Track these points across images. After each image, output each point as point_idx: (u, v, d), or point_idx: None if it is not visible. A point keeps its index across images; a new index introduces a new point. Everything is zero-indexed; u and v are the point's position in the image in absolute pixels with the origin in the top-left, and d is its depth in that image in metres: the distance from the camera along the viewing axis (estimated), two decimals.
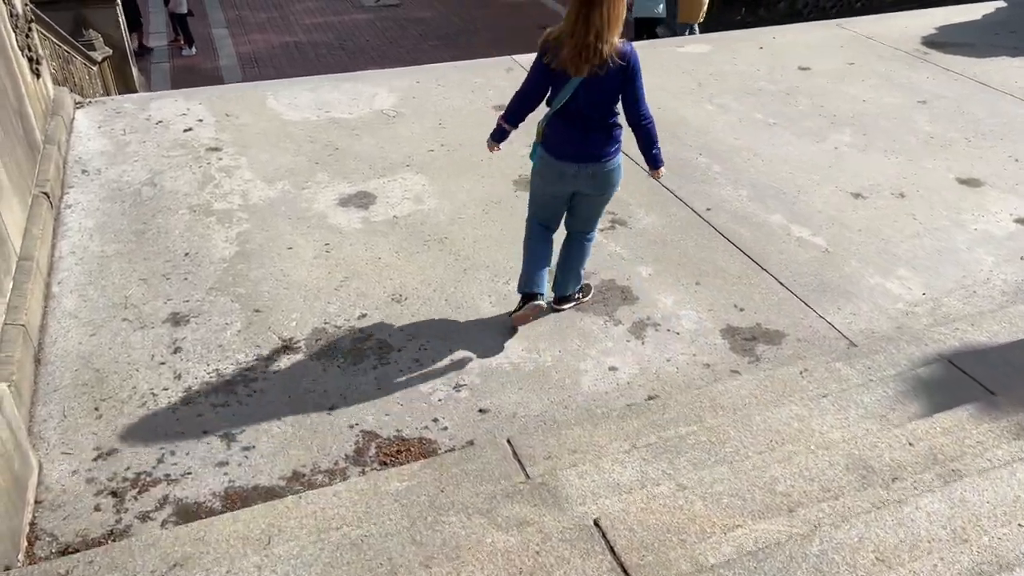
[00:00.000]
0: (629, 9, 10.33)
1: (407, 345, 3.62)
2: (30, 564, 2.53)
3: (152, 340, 3.61)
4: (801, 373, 3.29)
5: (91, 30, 10.48)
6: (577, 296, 3.91)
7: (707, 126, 5.86)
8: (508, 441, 2.92)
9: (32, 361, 3.37)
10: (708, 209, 4.79)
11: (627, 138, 3.39)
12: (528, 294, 3.59)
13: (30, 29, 5.09)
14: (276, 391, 3.33)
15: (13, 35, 4.63)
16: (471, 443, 3.07)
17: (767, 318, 3.87)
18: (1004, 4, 8.55)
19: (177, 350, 3.55)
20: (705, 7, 9.90)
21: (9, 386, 2.91)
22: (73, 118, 5.66)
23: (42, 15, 7.51)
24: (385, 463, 2.99)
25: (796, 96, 6.39)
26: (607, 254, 4.34)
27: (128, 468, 2.94)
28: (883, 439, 2.63)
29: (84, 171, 5.00)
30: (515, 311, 3.65)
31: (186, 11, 15.62)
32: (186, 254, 4.24)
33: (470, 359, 3.54)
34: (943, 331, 3.55)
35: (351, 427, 3.16)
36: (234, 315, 3.79)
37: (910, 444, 2.62)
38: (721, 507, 2.38)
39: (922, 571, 2.11)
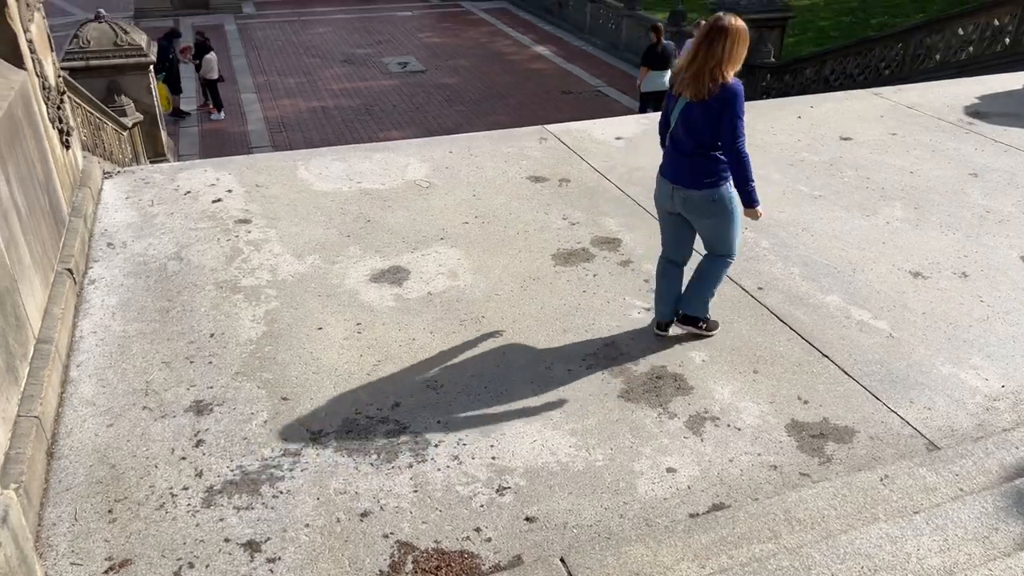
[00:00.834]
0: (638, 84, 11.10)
1: (445, 439, 3.35)
2: None
3: (173, 431, 3.36)
4: (882, 480, 2.98)
5: (123, 96, 10.57)
6: (701, 326, 4.00)
7: None
8: (562, 560, 2.62)
9: (44, 456, 3.13)
10: (760, 288, 4.53)
11: None
12: (661, 323, 4.02)
13: (62, 100, 5.02)
14: (304, 492, 3.06)
15: (45, 107, 4.54)
16: (519, 559, 2.77)
17: (834, 412, 3.57)
18: None
19: (199, 443, 3.30)
20: None
21: (18, 488, 2.67)
22: (101, 188, 5.56)
23: (75, 83, 7.54)
24: None
25: (840, 167, 6.19)
26: (655, 337, 4.08)
27: None
28: (994, 571, 2.30)
29: (110, 244, 4.85)
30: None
31: (217, 76, 15.88)
32: (211, 335, 4.02)
33: (513, 456, 3.26)
34: None
35: (385, 536, 2.87)
36: (260, 403, 3.55)
37: None
38: None
39: None
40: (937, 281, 4.62)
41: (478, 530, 2.91)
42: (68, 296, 4.04)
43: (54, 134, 4.66)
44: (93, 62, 10.67)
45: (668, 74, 10.94)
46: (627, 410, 3.55)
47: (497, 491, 3.08)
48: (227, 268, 4.63)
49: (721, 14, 3.46)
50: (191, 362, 3.81)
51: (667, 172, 3.70)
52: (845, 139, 6.74)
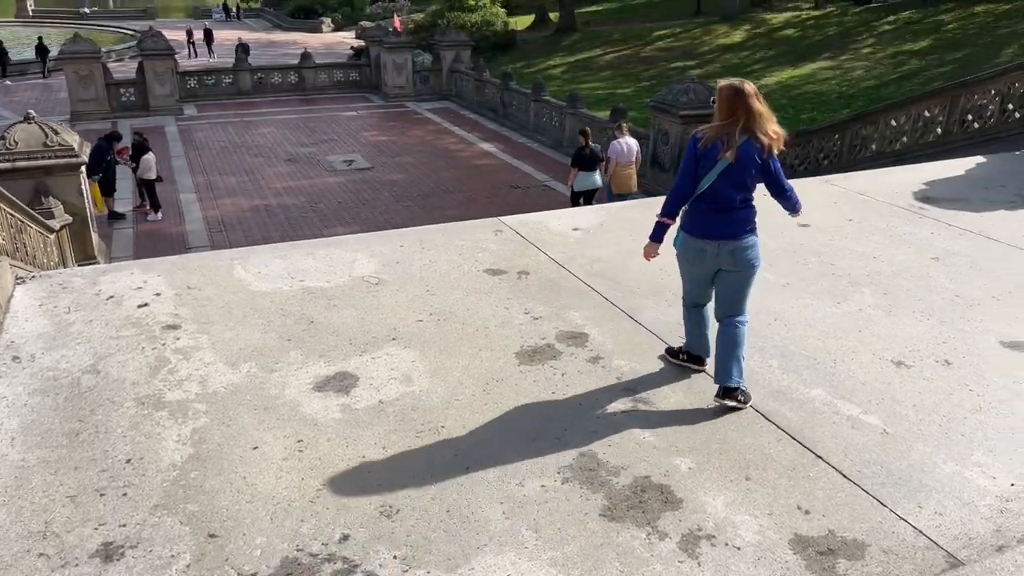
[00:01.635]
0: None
1: None
2: None
3: None
4: None
5: (51, 197, 10.06)
6: (740, 399, 3.92)
7: None
8: None
9: None
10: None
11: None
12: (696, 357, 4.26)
13: None
14: None
15: None
16: None
17: (839, 523, 3.20)
18: (984, 160, 8.60)
19: None
20: (635, 180, 11.76)
21: None
22: (12, 295, 5.01)
23: None
24: None
25: (803, 254, 6.04)
26: (635, 443, 3.69)
27: None
28: None
29: (15, 358, 4.29)
30: (674, 360, 4.32)
31: (155, 177, 15.47)
32: (128, 460, 3.48)
33: None
34: None
35: None
36: (183, 543, 3.00)
37: None
38: None
39: None
40: (921, 370, 4.38)
41: None
42: None
43: None
44: (20, 163, 10.21)
45: (596, 174, 11.66)
46: (612, 531, 3.11)
47: None
48: (151, 381, 4.11)
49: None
50: (102, 495, 3.25)
51: (710, 231, 3.86)
52: (803, 225, 6.65)
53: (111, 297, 5.08)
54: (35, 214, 8.77)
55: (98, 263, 10.32)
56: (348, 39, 47.47)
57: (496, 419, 3.86)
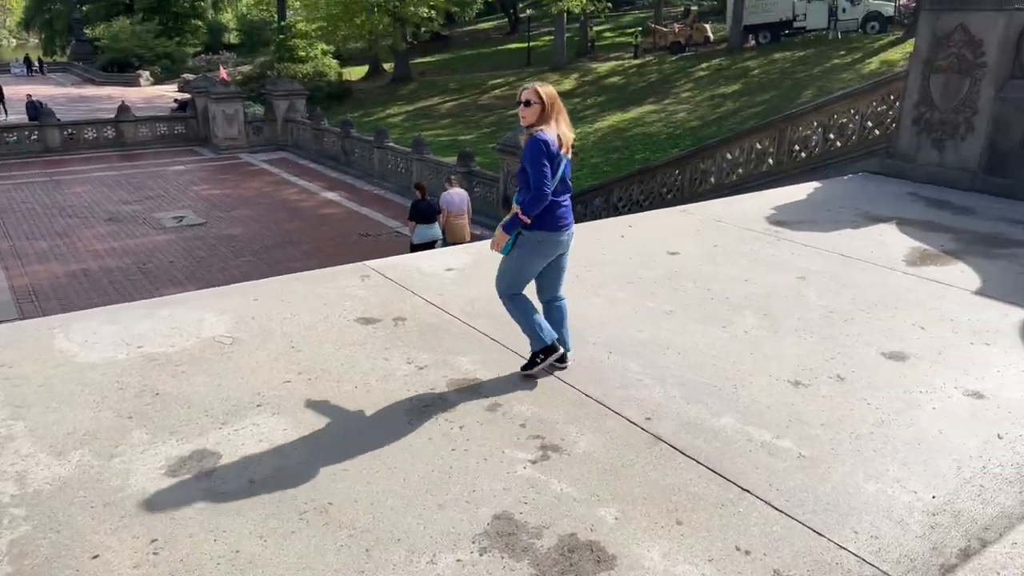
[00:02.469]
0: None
1: None
2: None
3: None
4: None
5: None
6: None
7: (604, 320, 5.20)
8: None
9: None
10: (648, 418, 3.96)
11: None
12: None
13: None
14: None
15: None
16: None
17: (783, 561, 2.96)
18: (820, 184, 9.12)
19: None
20: (468, 230, 12.03)
21: None
22: None
23: None
24: None
25: (679, 281, 5.99)
26: (552, 496, 3.31)
27: None
28: None
29: None
30: (540, 365, 4.29)
31: None
32: None
33: None
34: (997, 552, 2.82)
35: None
36: None
37: None
38: None
39: None
40: (818, 388, 4.33)
41: None
42: None
43: None
44: None
45: (436, 226, 11.77)
46: None
47: None
48: None
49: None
50: None
51: (566, 220, 4.15)
52: (672, 253, 6.65)
53: None
54: None
55: None
56: (170, 92, 45.15)
57: (393, 488, 3.35)
